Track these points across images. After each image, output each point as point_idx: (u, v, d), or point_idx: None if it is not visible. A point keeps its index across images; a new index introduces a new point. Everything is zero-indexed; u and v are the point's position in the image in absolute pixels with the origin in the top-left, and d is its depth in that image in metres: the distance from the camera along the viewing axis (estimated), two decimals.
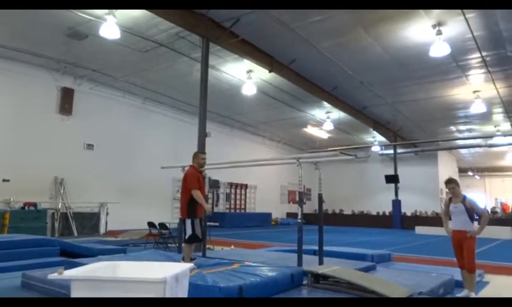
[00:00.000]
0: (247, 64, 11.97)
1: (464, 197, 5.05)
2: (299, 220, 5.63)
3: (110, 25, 8.82)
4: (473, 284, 4.94)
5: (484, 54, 10.79)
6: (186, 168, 6.19)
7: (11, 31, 10.16)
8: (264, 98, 15.19)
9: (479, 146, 20.79)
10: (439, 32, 9.39)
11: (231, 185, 20.87)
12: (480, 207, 5.29)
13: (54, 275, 2.48)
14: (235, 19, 9.37)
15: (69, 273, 2.58)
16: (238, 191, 21.50)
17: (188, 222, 5.48)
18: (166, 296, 2.39)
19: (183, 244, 5.70)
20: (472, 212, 4.97)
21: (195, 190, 5.45)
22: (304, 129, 20.71)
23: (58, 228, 12.43)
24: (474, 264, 4.90)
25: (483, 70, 12.03)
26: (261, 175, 22.08)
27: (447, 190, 5.34)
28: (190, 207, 5.48)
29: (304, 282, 4.97)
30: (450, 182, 5.20)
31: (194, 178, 5.57)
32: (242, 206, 21.71)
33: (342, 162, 21.99)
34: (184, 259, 5.38)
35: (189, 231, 5.46)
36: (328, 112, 17.52)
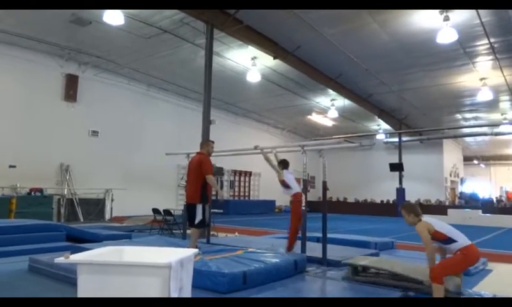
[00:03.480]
0: (251, 50, 11.88)
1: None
2: (303, 208, 5.66)
3: (113, 11, 8.78)
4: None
5: (492, 40, 10.62)
6: (192, 155, 6.21)
7: (16, 17, 10.12)
8: (268, 85, 15.11)
9: (485, 134, 20.61)
10: (446, 18, 9.23)
11: (235, 172, 20.90)
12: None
13: (60, 260, 2.51)
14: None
15: (75, 257, 2.61)
16: (242, 178, 21.54)
17: (199, 207, 5.53)
18: (171, 281, 2.42)
19: (192, 229, 5.72)
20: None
21: (210, 176, 5.56)
22: (309, 117, 20.61)
23: (64, 213, 12.57)
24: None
25: (491, 57, 11.86)
26: (265, 162, 22.00)
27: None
28: (203, 192, 5.54)
29: (309, 268, 5.00)
30: (401, 208, 4.00)
31: (210, 164, 5.69)
32: (246, 194, 21.78)
33: (346, 150, 21.94)
34: (190, 244, 5.42)
35: (199, 216, 5.51)
36: (332, 100, 17.39)
